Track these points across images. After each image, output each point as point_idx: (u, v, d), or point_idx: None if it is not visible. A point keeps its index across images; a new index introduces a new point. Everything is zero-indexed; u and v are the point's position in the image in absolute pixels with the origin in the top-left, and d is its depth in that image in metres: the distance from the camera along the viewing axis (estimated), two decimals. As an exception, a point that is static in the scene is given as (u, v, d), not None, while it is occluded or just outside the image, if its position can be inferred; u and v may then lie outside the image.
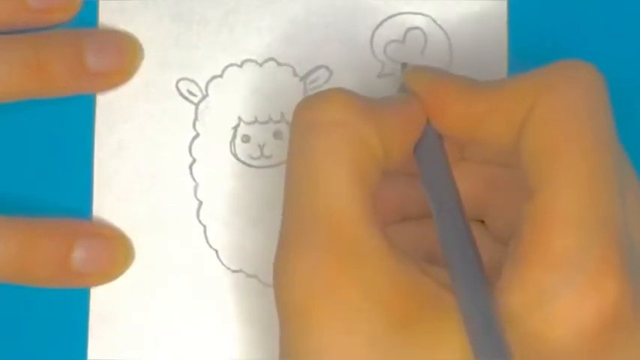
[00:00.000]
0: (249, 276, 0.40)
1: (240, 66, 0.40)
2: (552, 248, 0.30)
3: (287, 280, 0.31)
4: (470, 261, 0.31)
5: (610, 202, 0.30)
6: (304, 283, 0.30)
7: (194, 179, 0.40)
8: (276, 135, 0.40)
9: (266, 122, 0.40)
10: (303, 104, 0.33)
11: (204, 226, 0.40)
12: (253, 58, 0.40)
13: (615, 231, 0.30)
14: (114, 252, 0.39)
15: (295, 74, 0.40)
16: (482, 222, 0.37)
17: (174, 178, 0.40)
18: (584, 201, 0.30)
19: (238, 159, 0.40)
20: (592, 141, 0.31)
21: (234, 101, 0.40)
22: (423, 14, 0.40)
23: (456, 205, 0.32)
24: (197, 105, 0.40)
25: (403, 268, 0.31)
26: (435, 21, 0.40)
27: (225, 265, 0.40)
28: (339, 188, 0.31)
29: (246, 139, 0.40)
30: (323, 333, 0.30)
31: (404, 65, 0.37)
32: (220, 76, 0.40)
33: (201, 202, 0.40)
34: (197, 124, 0.40)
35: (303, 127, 0.32)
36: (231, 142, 0.40)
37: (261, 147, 0.40)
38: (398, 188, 0.37)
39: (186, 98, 0.40)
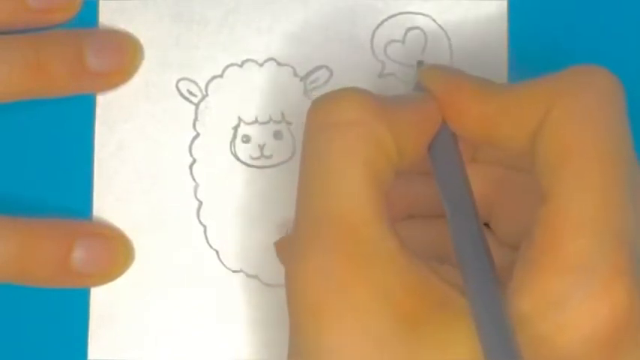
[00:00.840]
0: (249, 276, 0.40)
1: (241, 66, 0.40)
2: (565, 252, 0.30)
3: (300, 280, 0.31)
4: (482, 262, 0.31)
5: (622, 207, 0.30)
6: (317, 283, 0.30)
7: (194, 179, 0.40)
8: (277, 135, 0.40)
9: (266, 122, 0.40)
10: (318, 104, 0.33)
11: (205, 227, 0.40)
12: (253, 58, 0.40)
13: (627, 236, 0.30)
14: (114, 252, 0.39)
15: (295, 74, 0.40)
16: (486, 225, 0.37)
17: (175, 178, 0.40)
18: (598, 206, 0.30)
19: (238, 159, 0.40)
20: (606, 146, 0.31)
21: (234, 101, 0.40)
22: (423, 14, 0.40)
23: (470, 206, 0.32)
24: (197, 105, 0.40)
25: (414, 268, 0.31)
26: (435, 21, 0.40)
27: (225, 266, 0.40)
28: (353, 189, 0.31)
29: (246, 139, 0.40)
30: (333, 333, 0.30)
31: (419, 63, 0.37)
32: (220, 76, 0.40)
33: (201, 203, 0.40)
34: (197, 124, 0.40)
35: (318, 126, 0.32)
36: (231, 142, 0.40)
37: (261, 147, 0.40)
38: (408, 187, 0.37)
39: (186, 98, 0.40)
